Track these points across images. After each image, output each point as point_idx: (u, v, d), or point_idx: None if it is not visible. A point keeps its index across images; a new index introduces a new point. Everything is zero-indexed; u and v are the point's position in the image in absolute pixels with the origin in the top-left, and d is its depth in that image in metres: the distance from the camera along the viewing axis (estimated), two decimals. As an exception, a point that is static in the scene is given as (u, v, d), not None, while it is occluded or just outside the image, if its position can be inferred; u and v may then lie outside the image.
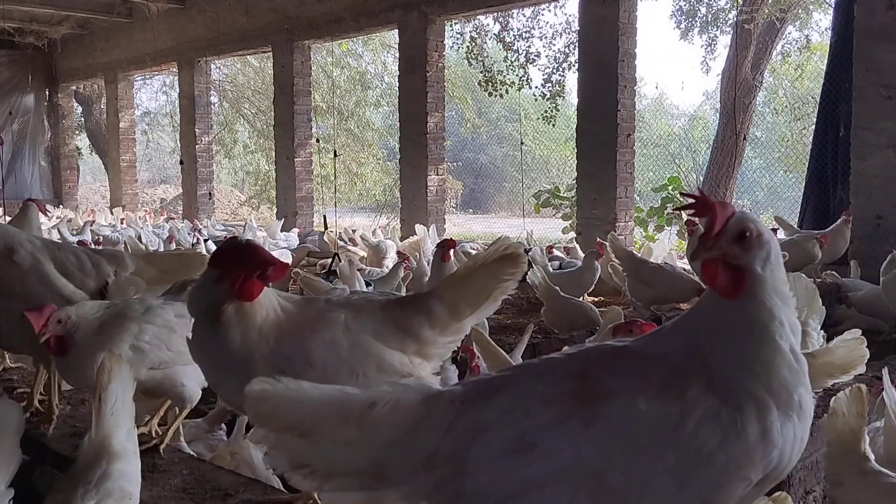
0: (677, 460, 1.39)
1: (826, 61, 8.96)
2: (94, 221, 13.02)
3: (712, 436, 1.39)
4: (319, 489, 1.50)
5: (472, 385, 1.59)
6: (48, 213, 8.75)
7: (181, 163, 16.59)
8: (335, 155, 13.97)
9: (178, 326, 2.56)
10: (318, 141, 14.08)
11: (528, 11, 14.89)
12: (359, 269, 6.84)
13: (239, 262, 2.05)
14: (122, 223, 13.24)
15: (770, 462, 1.43)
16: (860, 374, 3.90)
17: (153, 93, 29.18)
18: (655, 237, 11.05)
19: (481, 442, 1.44)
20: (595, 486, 1.39)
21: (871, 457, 2.40)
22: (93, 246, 8.43)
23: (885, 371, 3.30)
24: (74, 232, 11.33)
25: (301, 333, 2.10)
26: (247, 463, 2.60)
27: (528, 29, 15.22)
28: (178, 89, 16.97)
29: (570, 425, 1.42)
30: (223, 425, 3.36)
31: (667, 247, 8.93)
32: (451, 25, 14.60)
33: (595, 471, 1.39)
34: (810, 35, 16.09)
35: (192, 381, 2.61)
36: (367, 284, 6.32)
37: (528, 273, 6.40)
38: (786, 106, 18.21)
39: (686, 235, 9.10)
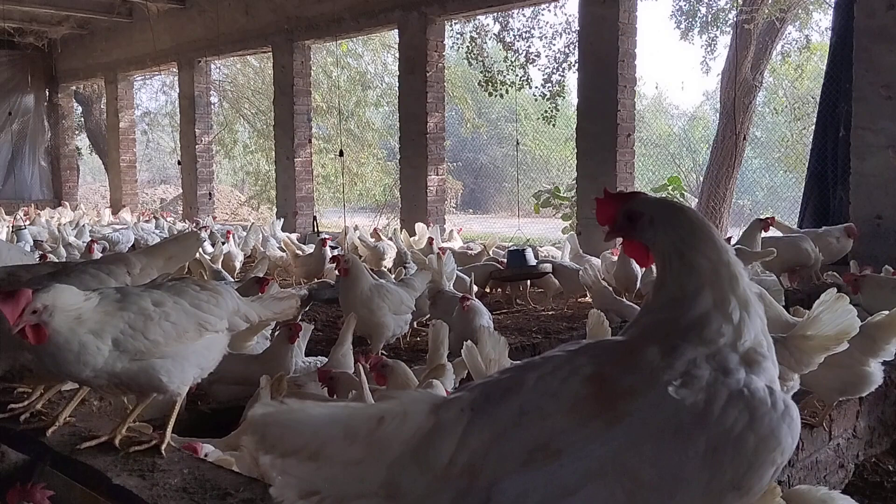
0: (708, 446, 1.37)
1: (826, 61, 8.94)
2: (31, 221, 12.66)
3: (741, 416, 1.39)
4: None
5: (479, 389, 1.54)
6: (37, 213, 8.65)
7: (179, 163, 16.62)
8: (340, 154, 13.97)
9: (156, 315, 2.50)
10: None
11: (528, 11, 14.89)
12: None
13: None
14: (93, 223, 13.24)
15: (793, 441, 1.43)
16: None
17: (153, 93, 29.10)
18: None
19: (498, 450, 1.40)
20: (630, 483, 1.36)
21: None
22: (97, 249, 8.41)
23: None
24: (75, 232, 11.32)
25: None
26: (252, 458, 2.49)
27: (528, 29, 15.23)
28: (178, 89, 16.98)
29: (595, 426, 1.40)
30: None
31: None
32: (451, 25, 14.59)
33: (628, 468, 1.37)
34: (810, 35, 16.08)
35: (172, 375, 2.55)
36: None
37: (581, 272, 6.45)
38: (786, 106, 18.19)
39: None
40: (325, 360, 4.03)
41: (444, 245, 9.13)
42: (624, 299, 6.05)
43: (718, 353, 1.50)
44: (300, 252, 8.79)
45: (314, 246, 8.76)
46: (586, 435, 1.39)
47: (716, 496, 1.40)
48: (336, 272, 5.33)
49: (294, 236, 10.85)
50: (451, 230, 10.63)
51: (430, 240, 9.05)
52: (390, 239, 9.74)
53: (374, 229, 10.84)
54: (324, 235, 10.04)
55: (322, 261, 8.18)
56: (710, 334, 1.53)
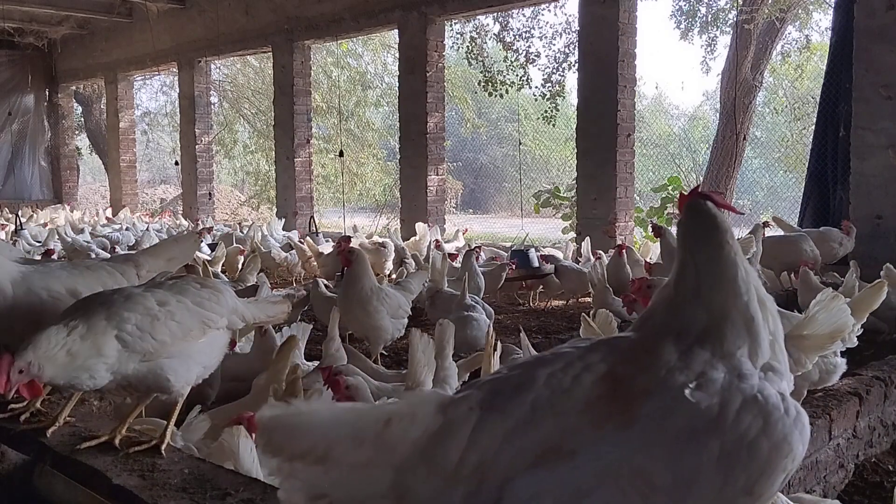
0: (722, 451, 1.37)
1: (826, 61, 8.95)
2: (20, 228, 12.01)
3: (755, 422, 1.39)
4: None
5: (487, 387, 1.52)
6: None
7: (176, 163, 16.64)
8: (341, 154, 13.93)
9: (161, 314, 2.50)
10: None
11: (528, 11, 14.90)
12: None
13: None
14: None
15: (803, 448, 1.43)
16: (859, 375, 3.92)
17: (153, 93, 29.16)
18: (655, 237, 11.04)
19: (509, 449, 1.39)
20: (644, 486, 1.36)
21: None
22: (95, 246, 8.41)
23: None
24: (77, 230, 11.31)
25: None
26: (231, 452, 2.50)
27: (528, 29, 15.24)
28: (178, 89, 16.98)
29: (609, 427, 1.39)
30: None
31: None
32: (451, 25, 14.60)
33: (642, 471, 1.36)
34: (810, 35, 16.12)
35: (178, 374, 2.55)
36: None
37: (589, 271, 6.48)
38: (786, 106, 18.21)
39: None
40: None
41: (447, 245, 9.16)
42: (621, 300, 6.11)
43: (732, 357, 1.50)
44: (322, 251, 8.82)
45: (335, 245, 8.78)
46: (601, 436, 1.38)
47: (728, 501, 1.39)
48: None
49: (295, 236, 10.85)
50: (457, 230, 10.63)
51: (437, 243, 9.09)
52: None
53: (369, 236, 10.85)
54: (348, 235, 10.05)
55: None
56: (724, 339, 1.53)
